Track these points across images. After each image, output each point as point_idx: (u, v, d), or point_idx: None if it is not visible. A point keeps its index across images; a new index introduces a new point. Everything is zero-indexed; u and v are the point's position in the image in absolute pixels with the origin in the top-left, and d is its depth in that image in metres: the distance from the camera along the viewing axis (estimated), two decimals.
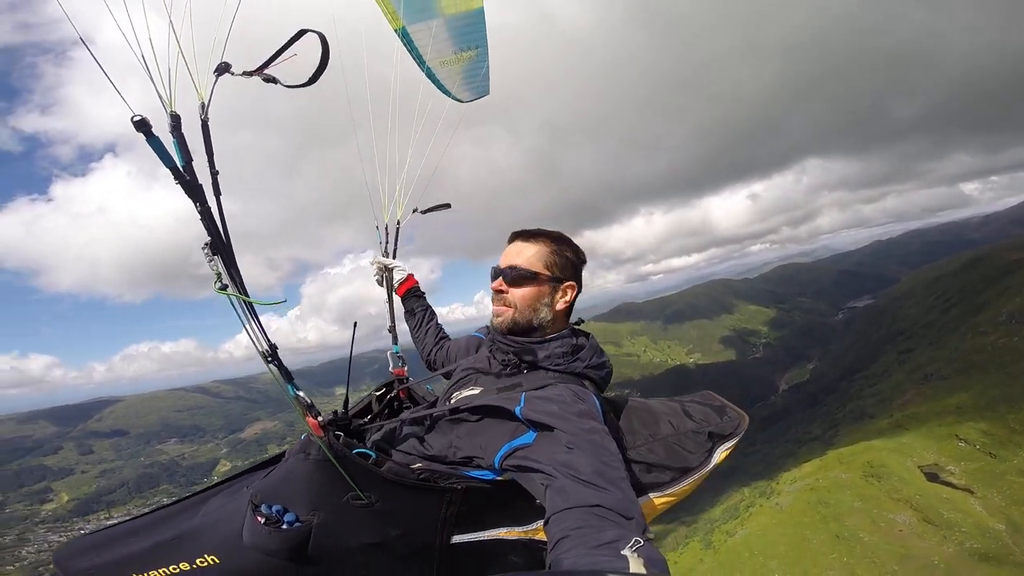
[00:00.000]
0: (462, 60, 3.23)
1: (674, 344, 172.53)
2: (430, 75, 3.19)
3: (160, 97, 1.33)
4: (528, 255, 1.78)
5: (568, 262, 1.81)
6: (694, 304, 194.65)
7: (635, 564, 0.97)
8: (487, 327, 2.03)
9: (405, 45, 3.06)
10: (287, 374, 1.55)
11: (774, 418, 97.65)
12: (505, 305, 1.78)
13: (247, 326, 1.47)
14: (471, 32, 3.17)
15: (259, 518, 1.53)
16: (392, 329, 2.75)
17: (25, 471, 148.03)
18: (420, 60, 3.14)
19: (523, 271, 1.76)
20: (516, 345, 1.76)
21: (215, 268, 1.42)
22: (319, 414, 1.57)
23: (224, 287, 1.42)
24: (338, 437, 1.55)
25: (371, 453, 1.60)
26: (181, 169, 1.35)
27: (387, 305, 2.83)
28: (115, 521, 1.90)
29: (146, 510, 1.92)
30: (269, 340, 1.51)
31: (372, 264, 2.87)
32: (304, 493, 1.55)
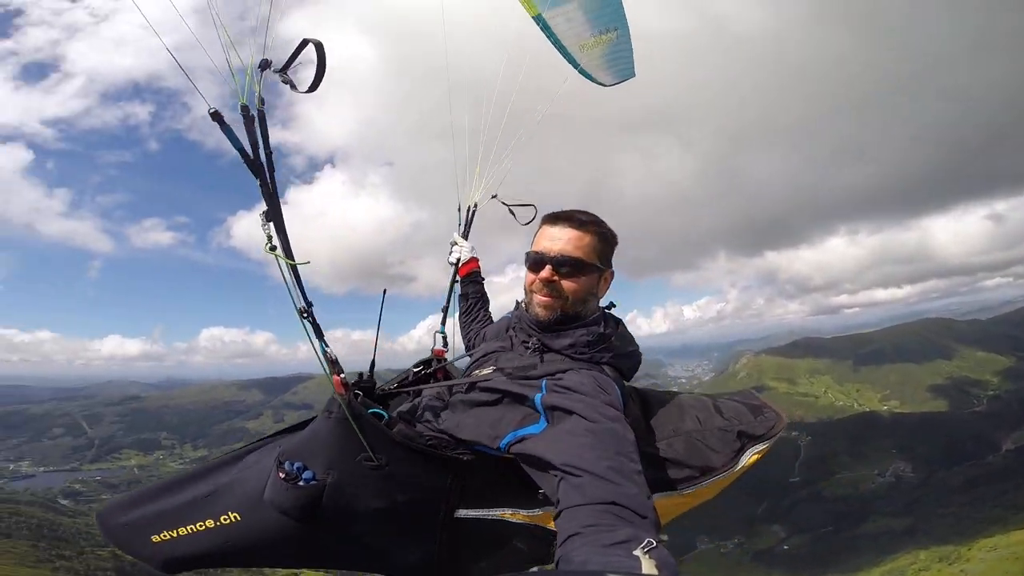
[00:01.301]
0: (602, 43, 3.16)
1: (865, 388, 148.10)
2: (571, 60, 3.15)
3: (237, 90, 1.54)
4: (583, 245, 1.71)
5: (613, 250, 1.80)
6: (899, 345, 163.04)
7: (647, 566, 0.94)
8: (518, 302, 2.03)
9: (543, 31, 3.05)
10: (319, 332, 1.63)
11: (984, 480, 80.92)
12: (555, 296, 1.71)
13: (288, 283, 1.57)
14: (609, 14, 3.13)
15: (280, 474, 1.61)
16: (445, 309, 2.74)
17: (231, 432, 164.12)
18: (559, 46, 3.10)
19: (582, 262, 1.69)
20: (540, 331, 1.74)
21: (267, 232, 1.55)
22: (341, 371, 1.64)
23: (273, 248, 1.55)
24: (357, 396, 1.62)
25: (384, 414, 1.65)
26: (247, 151, 1.53)
27: (450, 285, 2.84)
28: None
29: (195, 465, 2.05)
30: (306, 298, 1.60)
31: (452, 242, 2.91)
32: (323, 451, 1.61)
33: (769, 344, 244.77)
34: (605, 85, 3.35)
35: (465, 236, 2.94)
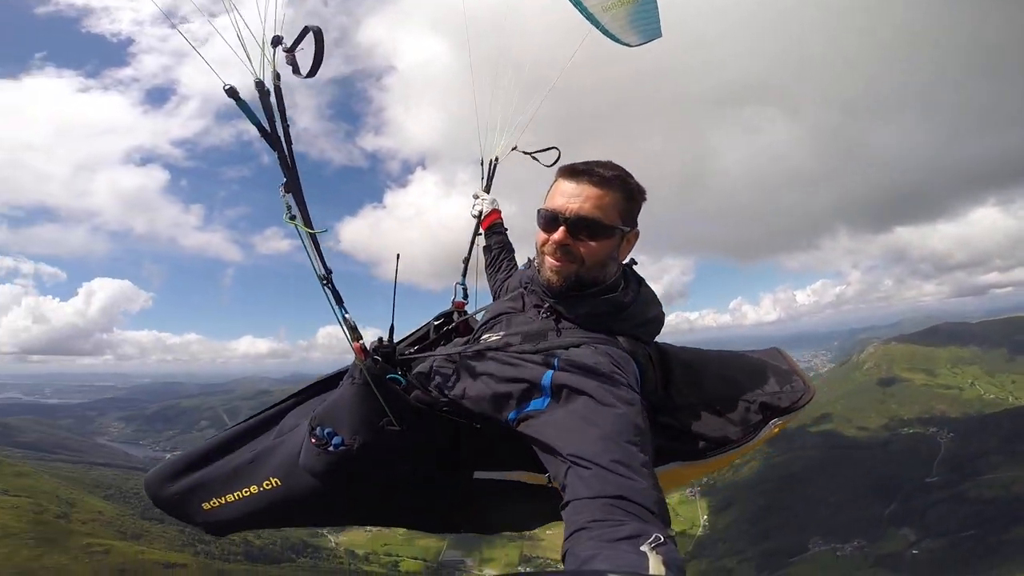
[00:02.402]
0: (626, 3, 3.07)
1: (1022, 379, 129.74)
2: (594, 22, 3.06)
3: (252, 70, 1.54)
4: (604, 204, 1.53)
5: (639, 207, 1.63)
6: None
7: (653, 562, 0.92)
8: (529, 260, 1.96)
9: None
10: (339, 298, 1.65)
11: None
12: (569, 260, 1.56)
13: (309, 251, 1.59)
14: None
15: (312, 439, 1.61)
16: (465, 260, 2.70)
17: None
18: (581, 7, 3.02)
19: (601, 224, 1.53)
20: (554, 298, 1.63)
21: (286, 202, 1.57)
22: (360, 338, 1.61)
23: (292, 217, 1.57)
24: (376, 362, 1.57)
25: (401, 379, 1.61)
26: (264, 125, 1.55)
27: (473, 236, 2.81)
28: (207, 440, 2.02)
29: (231, 425, 2.02)
30: (326, 266, 1.62)
31: (474, 196, 2.91)
32: (348, 416, 1.58)
33: (901, 331, 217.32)
34: (631, 46, 3.33)
35: (487, 189, 2.97)
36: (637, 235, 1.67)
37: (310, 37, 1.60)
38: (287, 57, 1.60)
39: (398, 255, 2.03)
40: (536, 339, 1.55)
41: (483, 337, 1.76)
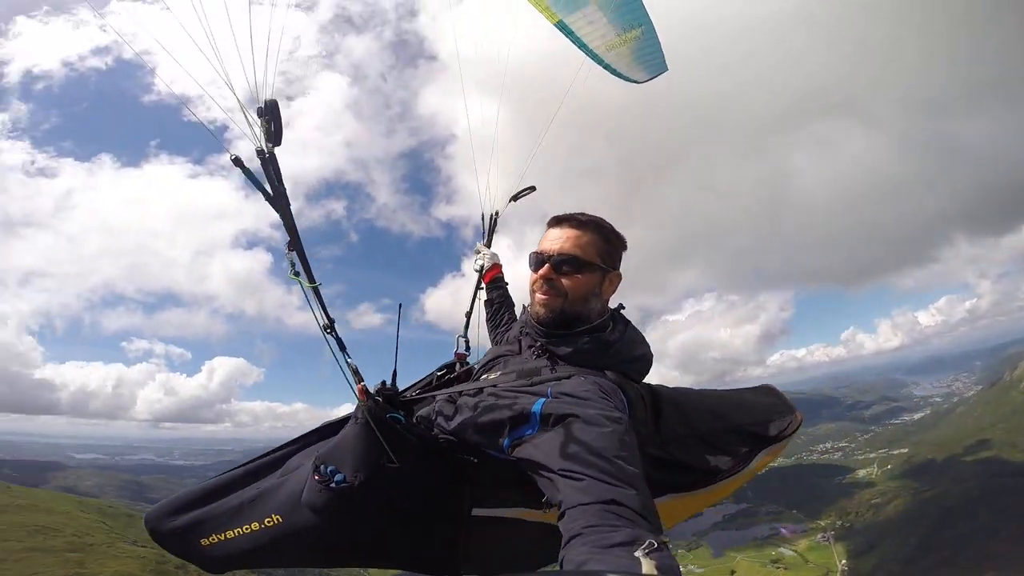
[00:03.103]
0: (628, 41, 3.15)
1: None
2: (599, 62, 3.18)
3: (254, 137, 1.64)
4: (583, 243, 1.74)
5: (617, 251, 1.80)
6: None
7: (647, 567, 0.93)
8: (524, 307, 2.04)
9: (567, 37, 3.07)
10: (342, 345, 1.76)
11: None
12: (554, 294, 1.75)
13: (311, 304, 1.70)
14: (629, 11, 3.12)
15: (315, 476, 1.69)
16: (468, 314, 2.81)
17: None
18: (585, 48, 3.11)
19: (579, 259, 1.72)
20: (544, 335, 1.77)
21: (290, 259, 1.66)
22: (362, 380, 1.73)
23: (297, 273, 1.67)
24: (376, 403, 1.69)
25: (401, 418, 1.71)
26: (268, 190, 1.64)
27: (475, 291, 2.92)
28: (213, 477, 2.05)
29: (241, 463, 2.07)
30: (328, 315, 1.72)
31: (476, 250, 3.05)
32: (351, 455, 1.67)
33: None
34: (639, 82, 3.38)
35: (488, 244, 3.07)
36: (619, 277, 1.83)
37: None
38: (263, 123, 1.69)
39: (400, 305, 2.46)
40: (530, 375, 1.68)
41: (482, 377, 1.92)
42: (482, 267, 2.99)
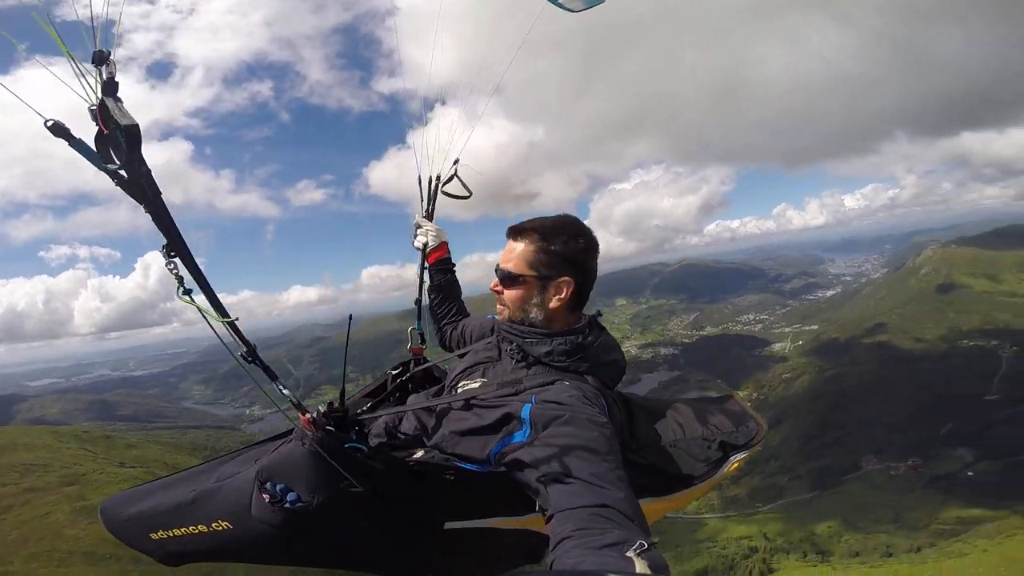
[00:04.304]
0: None
1: None
2: None
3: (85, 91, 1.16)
4: (513, 256, 1.77)
5: (557, 257, 1.74)
6: None
7: (640, 567, 0.97)
8: None
9: None
10: (270, 373, 1.58)
11: None
12: (501, 304, 1.84)
13: (220, 336, 1.43)
14: None
15: (264, 495, 1.62)
16: (418, 302, 2.60)
17: (392, 361, 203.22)
18: None
19: (508, 273, 1.77)
20: (520, 335, 1.77)
21: (175, 272, 1.31)
22: (306, 411, 1.60)
23: (188, 292, 1.34)
24: (329, 432, 1.57)
25: (363, 447, 1.61)
26: (117, 170, 1.18)
27: (420, 276, 2.62)
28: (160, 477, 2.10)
29: (175, 472, 2.14)
30: (248, 342, 1.50)
31: (415, 225, 2.71)
32: (303, 477, 1.60)
33: (960, 233, 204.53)
34: (574, 11, 3.22)
35: (429, 216, 2.74)
36: (570, 283, 1.74)
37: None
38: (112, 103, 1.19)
39: (350, 316, 2.21)
40: (513, 385, 1.68)
41: (461, 383, 1.89)
42: (425, 245, 2.66)
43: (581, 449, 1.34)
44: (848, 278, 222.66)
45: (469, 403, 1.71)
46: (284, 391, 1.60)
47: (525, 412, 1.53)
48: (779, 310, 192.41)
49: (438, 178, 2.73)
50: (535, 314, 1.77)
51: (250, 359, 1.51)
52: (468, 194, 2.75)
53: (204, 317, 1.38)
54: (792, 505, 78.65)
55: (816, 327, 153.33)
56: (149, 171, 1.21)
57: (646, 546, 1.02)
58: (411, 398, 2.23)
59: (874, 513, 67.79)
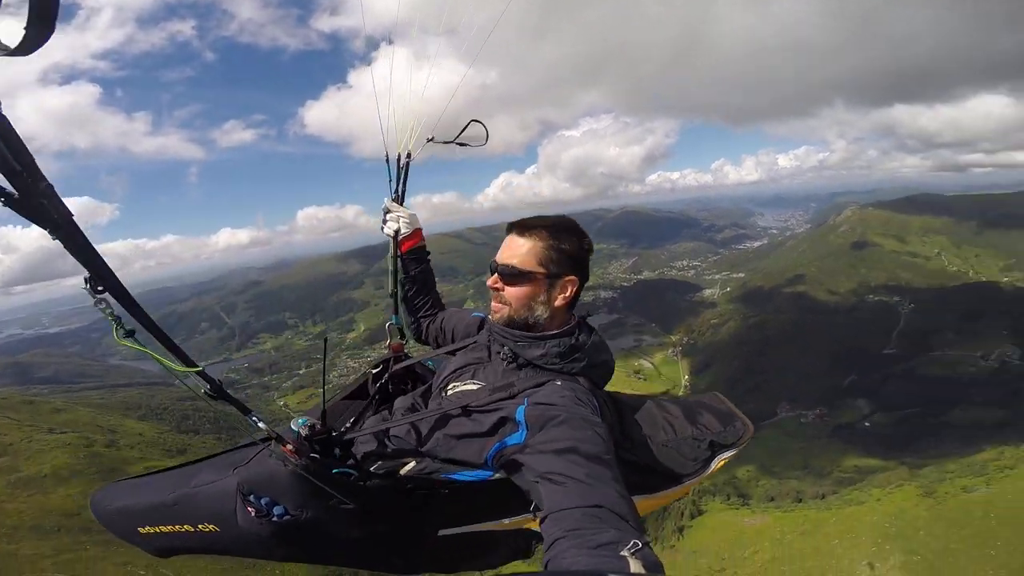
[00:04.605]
0: None
1: (986, 254, 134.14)
2: None
3: None
4: (522, 252, 1.75)
5: (565, 255, 1.76)
6: None
7: (634, 566, 0.98)
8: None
9: None
10: (241, 407, 1.54)
11: None
12: (501, 302, 1.79)
13: (180, 378, 1.37)
14: None
15: (250, 509, 1.60)
16: (394, 295, 2.48)
17: (341, 303, 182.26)
18: None
19: (515, 269, 1.74)
20: (513, 339, 1.76)
21: (107, 311, 1.14)
22: (286, 442, 1.54)
23: (131, 333, 1.19)
24: (315, 459, 1.54)
25: (351, 472, 1.60)
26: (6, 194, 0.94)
27: (392, 265, 2.47)
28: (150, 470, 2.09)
29: (161, 467, 2.07)
30: (213, 380, 1.45)
31: (384, 210, 2.50)
32: (289, 495, 1.58)
33: (878, 198, 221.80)
34: None
35: (400, 200, 2.53)
36: (575, 282, 1.80)
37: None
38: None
39: (325, 339, 2.48)
40: (507, 388, 1.67)
41: (451, 386, 1.87)
42: (397, 232, 2.46)
43: (575, 449, 1.35)
44: (775, 231, 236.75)
45: (466, 409, 1.70)
46: (260, 424, 1.55)
47: (520, 414, 1.54)
48: (711, 258, 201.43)
49: (408, 155, 2.52)
50: (540, 312, 1.76)
51: (216, 396, 1.47)
52: (475, 120, 2.49)
53: (166, 367, 1.29)
54: None
55: (743, 275, 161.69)
56: (50, 186, 0.99)
57: (640, 545, 1.03)
58: (397, 401, 2.15)
59: (786, 459, 73.28)
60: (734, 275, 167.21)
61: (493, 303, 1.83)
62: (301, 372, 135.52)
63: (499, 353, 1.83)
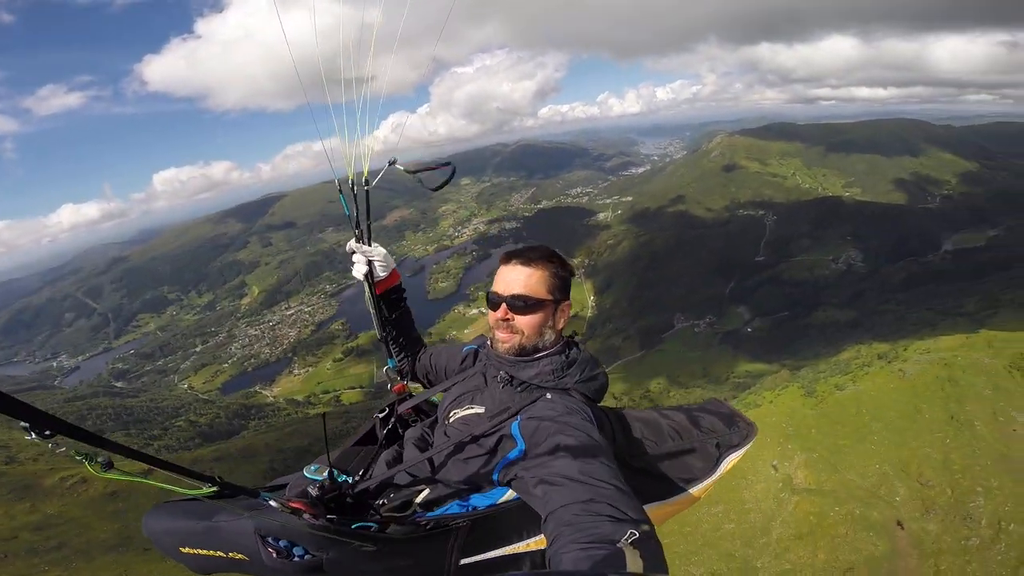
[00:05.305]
0: None
1: (832, 174, 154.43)
2: None
3: None
4: (532, 282, 1.81)
5: (565, 283, 1.87)
6: (871, 138, 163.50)
7: (631, 557, 0.98)
8: (480, 342, 2.15)
9: None
10: (250, 492, 1.55)
11: (922, 279, 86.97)
12: (511, 332, 1.82)
13: (175, 491, 1.41)
14: None
15: (271, 551, 1.62)
16: (385, 340, 2.34)
17: (226, 267, 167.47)
18: None
19: (531, 299, 1.79)
20: (508, 363, 1.84)
21: (74, 453, 1.06)
22: (300, 515, 1.53)
23: (109, 465, 1.15)
24: (332, 520, 1.57)
25: (371, 525, 1.63)
26: None
27: (373, 309, 2.27)
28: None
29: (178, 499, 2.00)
30: (214, 477, 1.46)
31: (349, 251, 2.22)
32: (309, 539, 1.59)
33: (743, 126, 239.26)
34: None
35: (366, 240, 2.21)
36: (570, 306, 1.92)
37: None
38: None
39: (324, 415, 2.68)
40: (505, 411, 1.73)
41: (452, 412, 1.92)
42: (368, 275, 2.21)
43: (568, 450, 1.40)
44: (656, 158, 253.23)
45: (472, 435, 1.76)
46: (272, 503, 1.55)
47: (515, 429, 1.62)
48: (601, 184, 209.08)
49: (366, 181, 2.17)
50: (548, 336, 1.85)
51: (218, 494, 1.47)
52: (448, 174, 2.33)
53: (175, 491, 1.39)
54: (629, 364, 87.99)
55: (631, 198, 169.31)
56: None
57: (637, 535, 1.03)
58: (408, 432, 2.22)
59: (688, 368, 79.15)
60: (623, 199, 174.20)
61: (500, 333, 1.85)
62: (198, 350, 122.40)
63: (495, 378, 1.87)
